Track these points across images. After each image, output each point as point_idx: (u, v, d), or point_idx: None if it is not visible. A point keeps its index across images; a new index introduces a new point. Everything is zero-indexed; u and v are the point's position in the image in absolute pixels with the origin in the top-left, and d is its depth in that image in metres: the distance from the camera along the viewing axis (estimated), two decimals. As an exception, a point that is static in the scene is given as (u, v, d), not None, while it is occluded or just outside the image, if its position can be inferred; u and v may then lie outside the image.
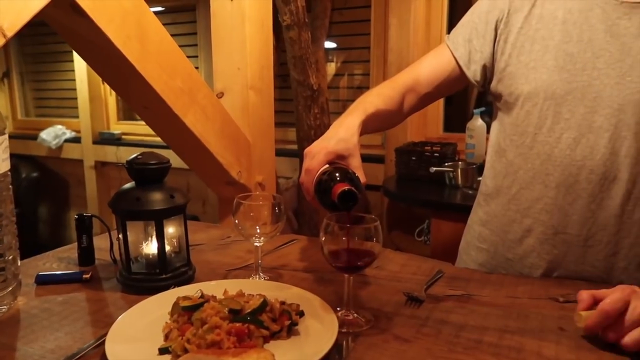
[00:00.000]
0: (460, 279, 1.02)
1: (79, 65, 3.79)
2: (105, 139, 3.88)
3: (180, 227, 0.95)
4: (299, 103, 2.16)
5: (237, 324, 0.70)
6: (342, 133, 0.96)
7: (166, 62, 1.21)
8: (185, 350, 0.68)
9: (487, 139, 2.78)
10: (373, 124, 1.05)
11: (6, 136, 0.81)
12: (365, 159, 0.95)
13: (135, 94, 1.19)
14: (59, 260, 1.08)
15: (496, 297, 0.93)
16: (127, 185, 0.93)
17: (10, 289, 0.84)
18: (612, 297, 0.74)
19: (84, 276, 0.96)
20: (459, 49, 1.13)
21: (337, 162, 0.92)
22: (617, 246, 0.99)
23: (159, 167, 0.91)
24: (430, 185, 2.52)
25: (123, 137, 3.89)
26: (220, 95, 1.52)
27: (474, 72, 1.12)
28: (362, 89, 3.21)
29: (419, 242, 2.63)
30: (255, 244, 0.97)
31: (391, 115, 1.14)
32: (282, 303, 0.77)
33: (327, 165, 0.90)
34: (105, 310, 0.86)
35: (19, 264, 0.87)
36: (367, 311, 0.85)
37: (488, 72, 1.12)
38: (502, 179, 1.11)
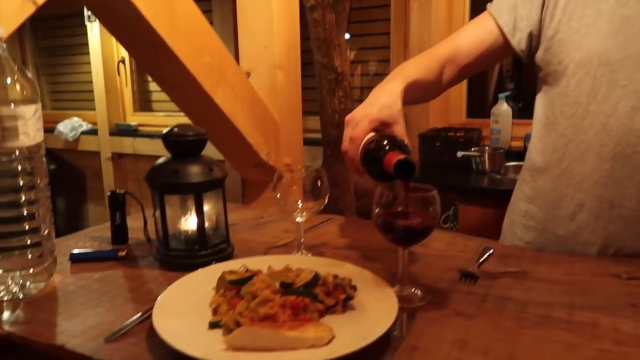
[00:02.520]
0: (512, 257, 0.96)
1: (95, 56, 3.77)
2: (121, 130, 3.86)
3: (219, 202, 0.90)
4: (323, 87, 2.11)
5: (291, 297, 0.66)
6: (385, 99, 0.91)
7: (195, 37, 1.16)
8: (238, 324, 0.63)
9: (513, 124, 2.73)
10: (412, 94, 0.99)
11: (39, 105, 0.77)
12: None
13: (165, 71, 1.15)
14: (91, 240, 1.04)
15: (554, 274, 0.88)
16: (163, 159, 0.88)
17: (47, 265, 0.80)
18: None
19: (119, 254, 0.92)
20: (503, 17, 1.07)
21: (381, 130, 0.87)
22: (678, 221, 0.93)
23: (196, 139, 0.86)
24: (456, 171, 2.46)
25: (139, 128, 3.87)
26: (247, 75, 1.47)
27: (519, 41, 1.06)
28: (381, 75, 3.15)
29: (445, 228, 2.57)
30: (297, 219, 0.92)
31: (430, 86, 1.09)
32: (335, 277, 0.72)
33: (372, 133, 0.86)
34: (145, 287, 0.82)
35: (54, 240, 0.83)
36: (421, 287, 0.80)
37: (534, 40, 1.05)
38: (551, 153, 1.05)
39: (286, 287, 0.69)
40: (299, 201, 0.90)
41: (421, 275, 0.86)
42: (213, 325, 0.65)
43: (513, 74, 3.58)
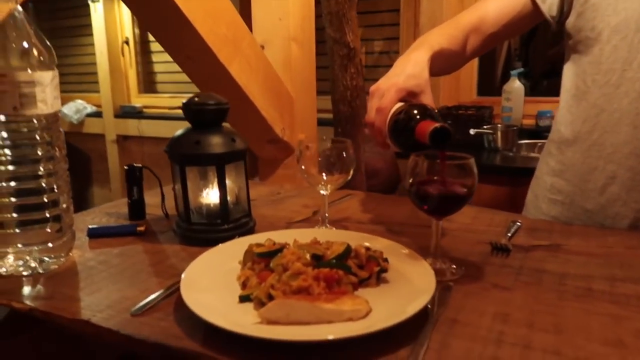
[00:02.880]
0: (541, 230, 0.93)
1: (99, 38, 3.71)
2: (126, 112, 3.81)
3: (241, 175, 0.87)
4: (335, 62, 2.06)
5: (324, 270, 0.63)
6: (411, 68, 0.87)
7: (211, 6, 1.12)
8: (270, 297, 0.60)
9: (525, 101, 2.68)
10: (438, 64, 0.95)
11: (57, 72, 0.73)
12: None
13: (179, 41, 1.11)
14: (107, 215, 1.01)
15: (587, 247, 0.85)
16: (183, 130, 0.85)
17: (65, 239, 0.77)
18: None
19: (138, 229, 0.89)
20: (533, -19, 1.03)
21: (408, 100, 0.84)
22: None
23: (218, 109, 0.83)
24: (468, 149, 2.35)
25: (144, 110, 3.82)
26: (261, 48, 1.43)
27: (549, 7, 1.02)
28: (389, 53, 3.08)
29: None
30: (322, 192, 0.89)
31: (455, 57, 1.05)
32: (368, 249, 0.70)
33: (399, 104, 0.82)
34: (167, 261, 0.79)
35: (72, 214, 0.80)
36: (453, 261, 0.77)
37: (566, 5, 1.01)
38: (582, 124, 1.01)
39: (318, 260, 0.66)
40: (324, 174, 0.87)
41: (451, 248, 0.83)
42: (243, 298, 0.63)
43: (521, 53, 3.51)
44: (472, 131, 2.36)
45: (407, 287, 0.65)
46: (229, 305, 0.62)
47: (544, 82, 3.15)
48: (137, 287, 0.70)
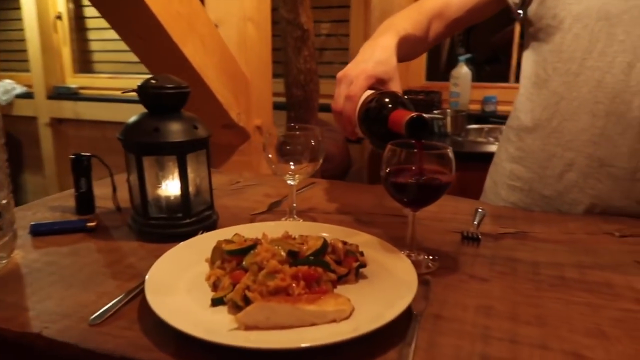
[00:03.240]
0: (505, 217, 0.94)
1: (28, 11, 3.42)
2: (60, 93, 3.56)
3: (203, 164, 0.82)
4: (289, 45, 2.00)
5: (303, 268, 0.59)
6: (379, 54, 0.84)
7: (162, -19, 1.03)
8: (246, 299, 0.56)
9: (472, 87, 2.73)
10: (403, 50, 0.93)
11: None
12: None
13: (129, 18, 1.02)
14: (51, 210, 0.92)
15: (551, 233, 0.86)
16: (138, 116, 0.78)
17: (7, 239, 0.69)
18: None
19: (89, 224, 0.81)
20: (497, -32, 1.02)
21: (378, 87, 0.81)
22: (665, 179, 0.94)
23: (178, 93, 0.76)
24: (419, 134, 2.44)
25: (81, 91, 3.58)
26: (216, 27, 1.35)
27: (513, -7, 1.02)
28: (337, 36, 3.04)
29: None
30: (289, 182, 0.85)
31: (419, 42, 1.03)
32: (345, 243, 0.67)
33: (369, 91, 0.79)
34: (125, 261, 0.72)
35: (13, 210, 0.72)
36: (427, 252, 0.75)
37: (528, -8, 1.01)
38: (541, 112, 1.03)
39: (294, 257, 0.62)
40: (291, 163, 0.83)
41: (423, 239, 0.82)
42: (216, 301, 0.58)
43: (464, 39, 3.58)
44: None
45: (387, 283, 0.62)
46: (201, 309, 0.57)
47: (487, 68, 3.23)
48: (94, 292, 0.63)
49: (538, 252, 0.77)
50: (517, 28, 2.82)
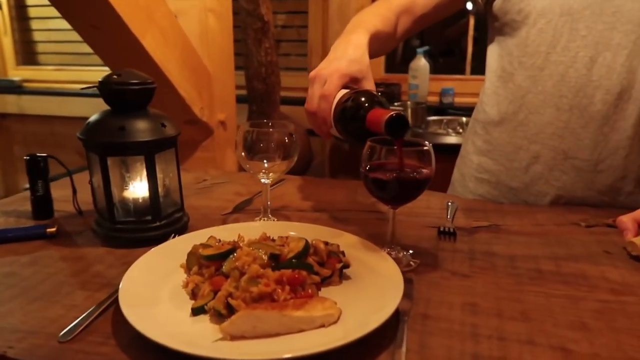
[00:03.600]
0: (477, 211, 0.95)
1: (-39, -3, 3.19)
2: (2, 87, 3.34)
3: (172, 164, 0.77)
4: (249, 36, 1.95)
5: (287, 272, 0.57)
6: (352, 53, 0.83)
7: (117, -33, 0.97)
8: (229, 307, 0.54)
9: (430, 79, 2.76)
10: (374, 47, 0.92)
11: None
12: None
13: (83, 8, 0.95)
14: (5, 215, 0.85)
15: (523, 225, 0.88)
16: (101, 113, 0.73)
17: (-42, 250, 0.63)
18: None
19: (49, 230, 0.76)
20: (463, -37, 1.02)
21: (351, 86, 0.80)
22: (625, 170, 0.97)
23: (144, 89, 0.72)
24: (380, 127, 2.45)
25: (25, 84, 3.38)
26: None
27: (479, -12, 1.02)
28: (293, 27, 3.00)
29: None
30: (263, 180, 0.82)
31: (388, 39, 1.03)
32: (327, 243, 0.65)
33: (344, 90, 0.78)
34: (92, 269, 0.68)
35: (-37, 218, 0.66)
36: (406, 248, 0.75)
37: (494, -13, 1.02)
38: (507, 105, 1.04)
39: (276, 260, 0.60)
40: (265, 161, 0.80)
41: (401, 235, 0.81)
42: (197, 311, 0.55)
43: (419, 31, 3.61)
44: (385, 108, 2.39)
45: (372, 284, 0.61)
46: (181, 320, 0.54)
47: (440, 60, 3.28)
48: (61, 305, 0.59)
49: (513, 245, 0.78)
50: (471, 21, 2.88)
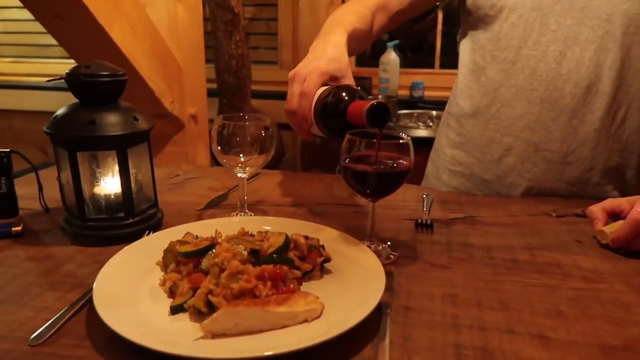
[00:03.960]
0: (452, 202, 0.96)
1: None
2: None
3: (145, 159, 0.75)
4: (219, 29, 1.92)
5: (268, 267, 0.56)
6: (331, 52, 0.84)
7: (82, -45, 0.93)
8: (210, 305, 0.52)
9: (400, 73, 2.78)
10: (352, 45, 0.94)
11: None
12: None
13: (44, -5, 0.91)
14: (-35, 214, 0.81)
15: (497, 217, 0.89)
16: (69, 107, 0.70)
17: None
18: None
19: (14, 229, 0.72)
20: (436, -40, 1.03)
21: (331, 84, 0.79)
22: (593, 162, 1.00)
23: (114, 81, 0.69)
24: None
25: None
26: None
27: (452, -16, 1.03)
28: (266, 20, 2.97)
29: (341, 178, 2.59)
30: (239, 175, 0.80)
31: (364, 36, 1.04)
32: (307, 238, 0.64)
33: (322, 88, 0.77)
34: (62, 269, 0.65)
35: None
36: (385, 241, 0.75)
37: (466, -18, 1.03)
38: (480, 98, 1.06)
39: (256, 255, 0.59)
40: (241, 155, 0.78)
41: (379, 228, 0.81)
42: (176, 309, 0.54)
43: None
44: (356, 102, 2.39)
45: (354, 277, 0.61)
46: (160, 319, 0.53)
47: (408, 55, 3.30)
48: (30, 307, 0.56)
49: (489, 236, 0.80)
50: (440, 15, 2.91)
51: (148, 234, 0.71)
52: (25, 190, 0.86)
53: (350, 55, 0.97)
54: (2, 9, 3.21)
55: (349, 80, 0.82)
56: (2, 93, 3.12)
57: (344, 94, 0.72)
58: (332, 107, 0.72)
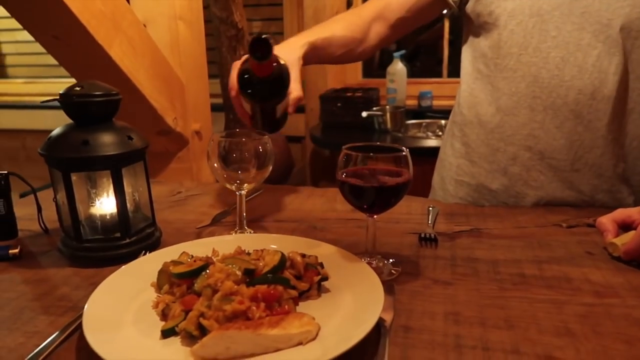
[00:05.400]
0: (458, 215, 0.94)
1: None
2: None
3: (141, 177, 0.74)
4: (223, 44, 1.93)
5: (262, 287, 0.54)
6: (283, 48, 0.88)
7: (81, -24, 0.94)
8: (202, 328, 0.51)
9: (408, 82, 2.76)
10: (327, 50, 0.97)
11: None
12: None
13: (44, 18, 0.92)
14: (-36, 237, 0.81)
15: (504, 228, 0.86)
16: (63, 127, 0.69)
17: None
18: None
19: (11, 251, 0.72)
20: (435, -33, 1.03)
21: None
22: (601, 168, 0.97)
23: (107, 101, 0.69)
24: (358, 131, 2.44)
25: (-6, 98, 3.30)
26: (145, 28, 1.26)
27: (451, -9, 1.02)
28: (272, 34, 2.98)
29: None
30: (238, 192, 0.79)
31: (352, 43, 1.05)
32: (303, 256, 0.62)
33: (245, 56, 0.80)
34: (57, 292, 0.64)
35: None
36: (387, 256, 0.73)
37: (466, -10, 1.02)
38: (484, 107, 1.04)
39: (250, 275, 0.57)
40: (239, 171, 0.77)
41: (381, 243, 0.79)
42: (167, 333, 0.52)
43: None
44: (364, 113, 2.38)
45: (352, 296, 0.59)
46: (151, 343, 0.51)
47: (417, 64, 3.29)
48: (22, 332, 0.55)
49: (495, 250, 0.77)
50: (447, 24, 2.89)
51: (144, 254, 0.70)
52: (26, 212, 0.86)
53: (331, 61, 1.06)
54: (14, 31, 3.28)
55: (294, 70, 0.83)
56: (15, 113, 3.17)
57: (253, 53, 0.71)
58: (245, 70, 0.75)
